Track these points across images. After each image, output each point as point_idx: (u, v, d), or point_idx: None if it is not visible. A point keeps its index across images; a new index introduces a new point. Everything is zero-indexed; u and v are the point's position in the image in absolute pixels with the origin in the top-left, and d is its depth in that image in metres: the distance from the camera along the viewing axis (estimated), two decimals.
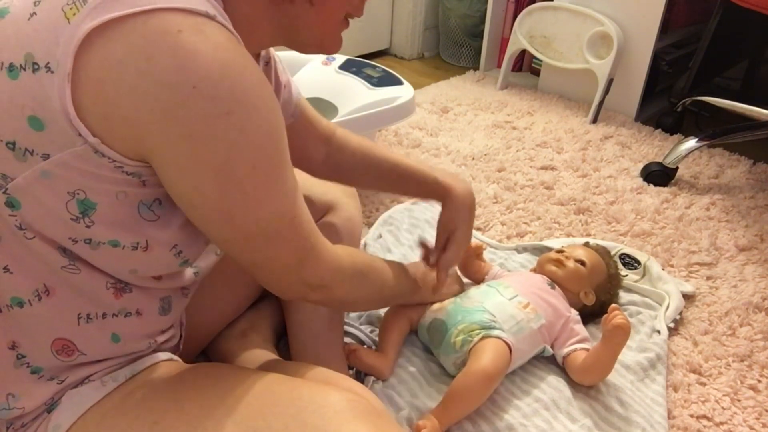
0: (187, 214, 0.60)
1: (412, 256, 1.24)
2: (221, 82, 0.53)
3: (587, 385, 0.97)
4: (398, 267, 0.90)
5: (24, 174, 0.55)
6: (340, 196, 1.01)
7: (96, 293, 0.62)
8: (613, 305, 0.95)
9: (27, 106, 0.53)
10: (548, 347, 1.00)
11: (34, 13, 0.55)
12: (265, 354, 0.94)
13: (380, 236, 1.30)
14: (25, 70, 0.53)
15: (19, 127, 0.54)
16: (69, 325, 0.62)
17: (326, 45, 0.70)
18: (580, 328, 1.02)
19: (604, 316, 0.94)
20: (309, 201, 1.00)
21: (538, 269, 1.11)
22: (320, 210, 1.00)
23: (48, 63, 0.52)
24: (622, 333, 0.92)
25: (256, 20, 0.65)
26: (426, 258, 0.96)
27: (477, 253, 1.13)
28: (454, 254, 0.94)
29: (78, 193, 0.56)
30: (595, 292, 1.08)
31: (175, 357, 0.75)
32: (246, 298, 0.98)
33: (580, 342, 0.99)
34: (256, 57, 0.74)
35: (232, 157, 0.55)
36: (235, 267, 0.90)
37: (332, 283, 0.71)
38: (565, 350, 0.99)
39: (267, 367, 0.83)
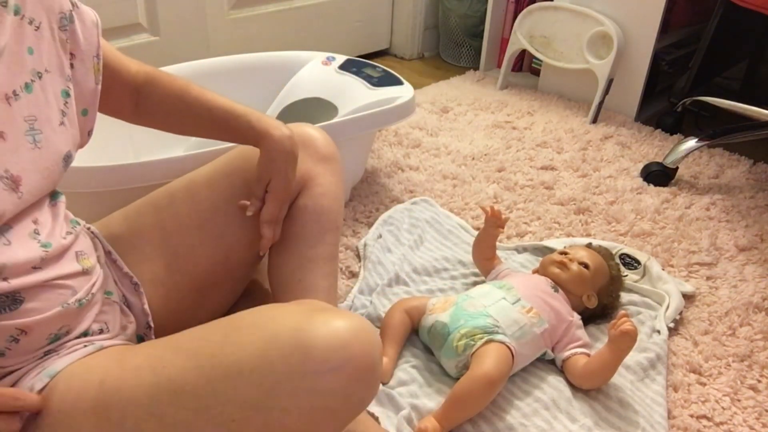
0: None
1: (412, 256, 1.24)
2: None
3: (586, 389, 0.97)
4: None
5: None
6: (312, 166, 0.91)
7: None
8: (622, 312, 0.95)
9: None
10: (549, 351, 1.00)
11: None
12: None
13: (380, 236, 1.29)
14: None
15: None
16: None
17: None
18: (581, 334, 1.02)
19: (612, 321, 0.93)
20: None
21: (541, 271, 1.11)
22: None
23: None
24: (629, 339, 0.92)
25: None
26: (243, 208, 0.88)
27: (498, 224, 1.13)
28: (274, 207, 0.86)
29: None
30: (597, 295, 1.08)
31: (129, 343, 0.76)
32: (223, 297, 0.96)
33: (580, 347, 0.99)
34: None
35: None
36: (204, 271, 0.88)
37: None
38: (565, 354, 0.99)
39: None
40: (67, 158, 0.70)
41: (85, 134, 0.77)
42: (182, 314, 0.87)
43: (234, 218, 0.89)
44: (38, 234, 0.65)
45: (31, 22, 0.66)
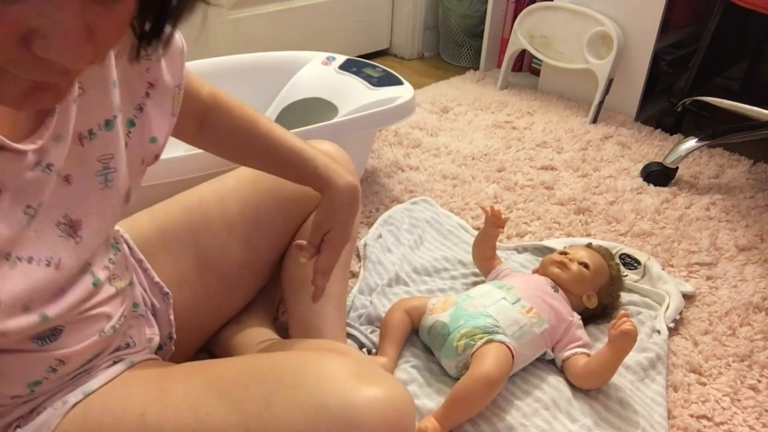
0: None
1: (413, 256, 1.24)
2: None
3: (586, 389, 0.97)
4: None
5: None
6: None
7: None
8: (622, 312, 0.95)
9: None
10: (549, 351, 1.00)
11: None
12: (261, 332, 0.95)
13: (380, 236, 1.29)
14: None
15: None
16: None
17: None
18: (582, 333, 1.02)
19: (612, 321, 0.93)
20: (288, 196, 0.93)
21: (541, 271, 1.11)
22: (305, 204, 0.94)
23: None
24: (629, 339, 0.92)
25: None
26: (301, 248, 0.83)
27: (498, 224, 1.13)
28: (330, 257, 0.82)
29: None
30: (598, 295, 1.08)
31: (155, 356, 0.76)
32: (243, 299, 0.97)
33: (580, 347, 0.99)
34: None
35: None
36: (232, 272, 0.89)
37: None
38: (566, 354, 0.99)
39: (261, 345, 0.83)
40: (127, 196, 0.66)
41: (152, 158, 0.70)
42: (205, 315, 0.89)
43: (261, 222, 0.91)
44: (88, 270, 0.62)
45: (117, 53, 0.62)
